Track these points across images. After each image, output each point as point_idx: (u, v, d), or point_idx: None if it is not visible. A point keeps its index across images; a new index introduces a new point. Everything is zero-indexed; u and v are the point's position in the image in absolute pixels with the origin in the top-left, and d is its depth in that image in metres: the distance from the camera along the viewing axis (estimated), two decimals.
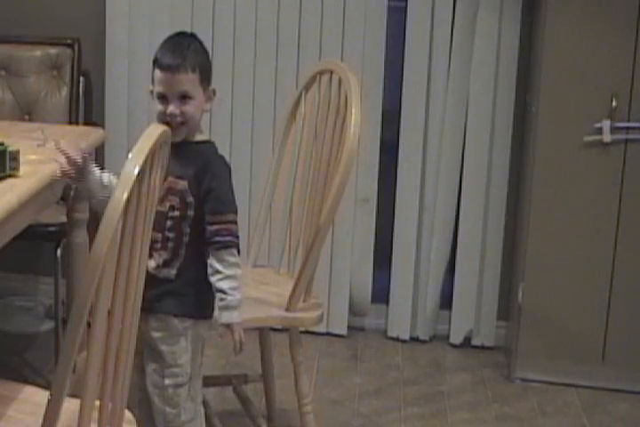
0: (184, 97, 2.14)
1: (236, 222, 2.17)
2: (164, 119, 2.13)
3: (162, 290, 2.14)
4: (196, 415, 2.28)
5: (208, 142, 2.25)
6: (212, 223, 2.15)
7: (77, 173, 2.12)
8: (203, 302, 2.22)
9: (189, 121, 2.15)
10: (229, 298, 2.15)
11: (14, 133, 2.52)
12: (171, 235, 2.15)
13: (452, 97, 3.44)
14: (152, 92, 2.18)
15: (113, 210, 1.48)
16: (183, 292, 2.18)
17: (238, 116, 3.53)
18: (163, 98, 2.15)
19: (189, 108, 2.15)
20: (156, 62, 2.15)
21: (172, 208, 2.13)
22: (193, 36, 2.25)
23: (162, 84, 2.14)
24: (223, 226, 2.14)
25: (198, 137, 2.22)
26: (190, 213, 2.16)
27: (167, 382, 2.22)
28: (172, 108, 2.14)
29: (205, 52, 2.22)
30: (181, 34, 2.25)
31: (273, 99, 3.49)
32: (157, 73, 2.15)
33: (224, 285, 2.14)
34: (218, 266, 2.14)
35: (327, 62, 2.85)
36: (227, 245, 2.14)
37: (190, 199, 2.15)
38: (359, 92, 2.45)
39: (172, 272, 2.18)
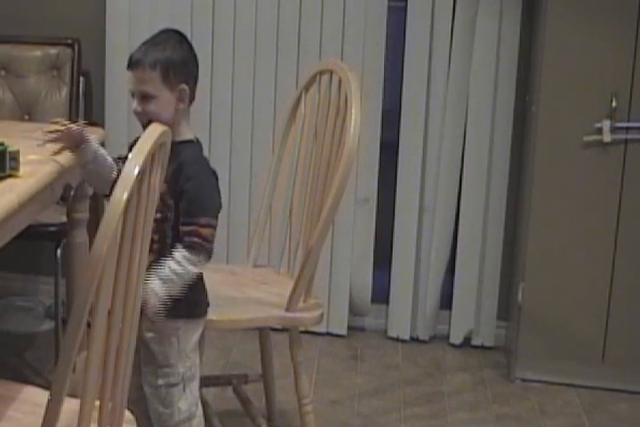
0: (145, 96, 2.14)
1: (211, 226, 2.13)
2: (137, 119, 2.17)
3: None
4: (191, 416, 2.27)
5: (189, 142, 2.22)
6: (183, 224, 2.13)
7: (76, 139, 2.13)
8: (192, 302, 2.21)
9: (156, 120, 2.09)
10: (163, 269, 2.09)
11: (14, 133, 2.51)
12: (155, 237, 2.13)
13: (452, 97, 3.44)
14: None
15: (113, 210, 1.48)
16: None
17: (238, 116, 3.53)
18: (132, 95, 2.17)
19: (152, 107, 2.14)
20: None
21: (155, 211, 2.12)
22: (177, 32, 2.23)
23: (129, 81, 2.17)
24: (193, 228, 2.11)
25: (180, 137, 2.17)
26: (171, 215, 2.15)
27: (160, 382, 2.23)
28: (134, 106, 2.16)
29: (181, 49, 2.18)
30: (163, 31, 2.24)
31: (273, 99, 3.49)
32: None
33: (169, 262, 2.10)
34: (176, 253, 2.11)
35: (327, 62, 2.85)
36: (192, 246, 2.11)
37: (170, 201, 2.14)
38: (359, 92, 2.45)
39: None
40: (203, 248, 2.12)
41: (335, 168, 2.42)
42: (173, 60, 2.15)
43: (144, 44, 2.20)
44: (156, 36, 2.22)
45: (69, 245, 2.71)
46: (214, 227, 2.14)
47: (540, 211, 3.20)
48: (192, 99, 2.22)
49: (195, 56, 2.22)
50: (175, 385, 2.23)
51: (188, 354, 2.24)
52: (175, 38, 2.20)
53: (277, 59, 3.47)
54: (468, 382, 3.33)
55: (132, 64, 2.15)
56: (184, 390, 2.24)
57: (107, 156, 2.19)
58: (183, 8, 3.48)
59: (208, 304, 2.30)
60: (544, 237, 3.21)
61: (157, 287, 2.09)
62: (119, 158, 2.18)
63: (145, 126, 2.15)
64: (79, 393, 1.59)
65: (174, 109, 2.17)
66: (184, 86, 2.17)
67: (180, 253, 2.11)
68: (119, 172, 2.24)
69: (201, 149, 2.25)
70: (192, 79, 2.19)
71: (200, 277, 2.23)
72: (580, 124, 3.11)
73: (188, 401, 2.26)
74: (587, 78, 3.09)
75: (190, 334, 2.24)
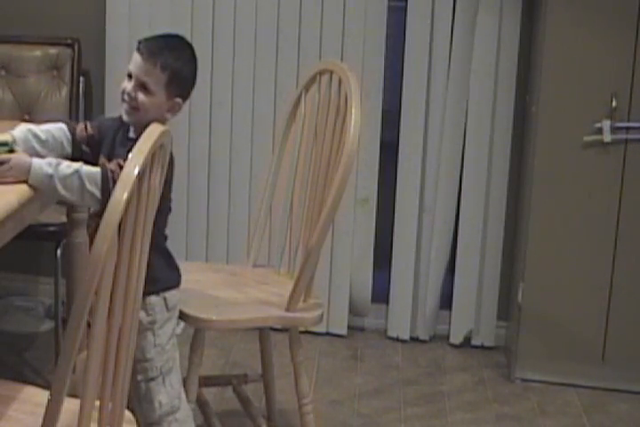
0: (143, 86, 2.13)
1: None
2: (122, 97, 2.15)
3: None
4: (174, 409, 2.28)
5: None
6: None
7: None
8: (152, 277, 2.17)
9: (140, 111, 2.13)
10: (68, 168, 2.03)
11: None
12: None
13: (452, 97, 3.44)
14: None
15: (113, 210, 1.48)
16: None
17: (238, 117, 3.53)
18: (129, 76, 2.16)
19: (144, 99, 2.13)
20: (140, 42, 2.18)
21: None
22: (191, 47, 2.23)
23: (133, 63, 2.16)
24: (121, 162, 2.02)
25: None
26: None
27: (139, 377, 2.24)
28: (128, 87, 2.14)
29: (191, 65, 2.19)
30: (181, 38, 2.24)
31: (273, 99, 3.49)
32: (135, 52, 2.17)
33: (84, 167, 2.04)
34: (89, 168, 2.03)
35: (327, 62, 2.85)
36: (105, 173, 2.02)
37: None
38: (359, 92, 2.45)
39: None
40: (110, 180, 2.02)
41: (335, 168, 2.42)
42: (183, 73, 2.17)
43: (161, 37, 2.20)
44: (173, 38, 2.22)
45: (69, 245, 2.71)
46: None
47: (539, 211, 3.20)
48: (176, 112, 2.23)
49: (196, 76, 2.23)
50: (154, 379, 2.24)
51: (164, 347, 2.25)
52: (190, 53, 2.21)
53: (277, 59, 3.47)
54: (468, 382, 3.33)
55: (145, 53, 2.14)
56: (163, 382, 2.25)
57: (41, 135, 2.18)
58: (183, 8, 3.48)
59: (175, 285, 2.26)
60: (544, 237, 3.21)
61: (45, 167, 2.03)
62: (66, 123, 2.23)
63: (126, 108, 2.15)
64: (79, 393, 1.59)
65: (162, 117, 2.15)
66: (179, 100, 2.18)
67: (92, 170, 2.04)
68: (73, 133, 2.22)
69: None
70: (186, 96, 2.21)
71: (158, 256, 2.19)
72: (580, 124, 3.11)
73: (168, 395, 2.26)
74: (587, 78, 3.09)
75: (165, 327, 2.24)
